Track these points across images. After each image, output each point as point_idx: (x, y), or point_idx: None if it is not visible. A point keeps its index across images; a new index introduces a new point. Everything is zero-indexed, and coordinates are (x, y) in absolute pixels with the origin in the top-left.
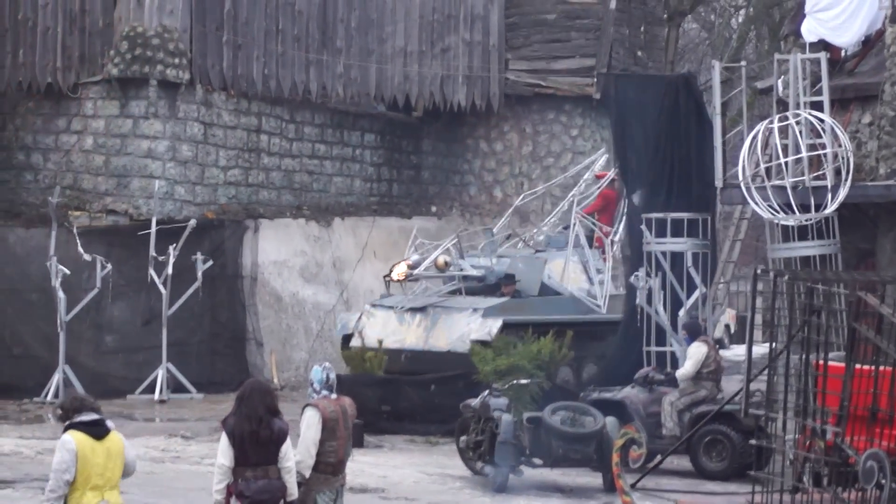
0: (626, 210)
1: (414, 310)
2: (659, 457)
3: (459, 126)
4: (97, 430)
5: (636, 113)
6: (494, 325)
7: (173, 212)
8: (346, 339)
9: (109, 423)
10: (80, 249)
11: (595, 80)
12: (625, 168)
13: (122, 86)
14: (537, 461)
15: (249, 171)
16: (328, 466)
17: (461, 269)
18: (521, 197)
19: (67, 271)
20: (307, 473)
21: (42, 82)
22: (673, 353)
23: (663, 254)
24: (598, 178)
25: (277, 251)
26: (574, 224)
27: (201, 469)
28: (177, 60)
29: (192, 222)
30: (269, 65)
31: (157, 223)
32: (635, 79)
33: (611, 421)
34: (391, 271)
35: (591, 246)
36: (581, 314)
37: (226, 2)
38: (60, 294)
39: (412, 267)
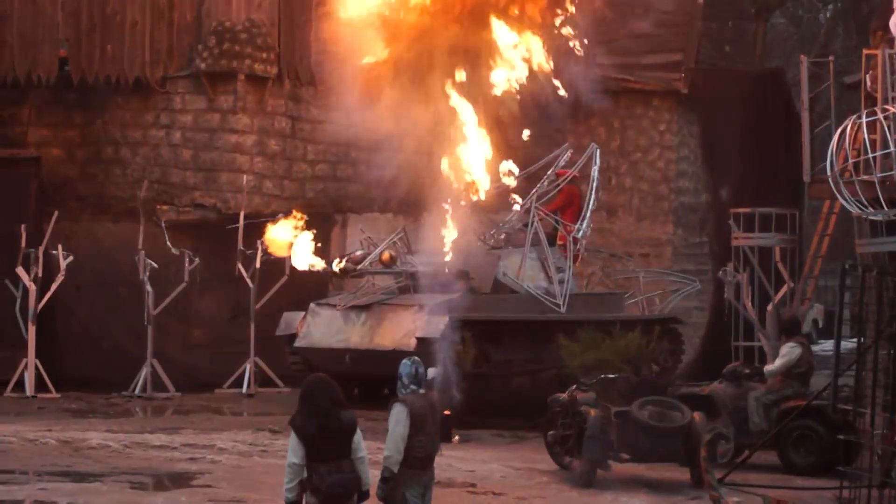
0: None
1: (359, 308)
2: (746, 452)
3: (547, 120)
4: None
5: (724, 108)
6: (441, 322)
7: (261, 206)
8: (291, 338)
9: None
10: (168, 243)
11: (683, 75)
12: (711, 163)
13: (210, 80)
14: (625, 456)
15: (337, 166)
16: (417, 461)
17: (411, 265)
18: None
19: (155, 265)
20: (396, 469)
21: (130, 77)
22: (761, 348)
23: (751, 249)
24: (559, 175)
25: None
26: (533, 221)
27: None
28: (265, 55)
29: (280, 217)
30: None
31: (245, 217)
32: (723, 74)
33: (699, 416)
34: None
35: (553, 244)
36: (537, 313)
37: None
38: (148, 288)
39: (356, 262)
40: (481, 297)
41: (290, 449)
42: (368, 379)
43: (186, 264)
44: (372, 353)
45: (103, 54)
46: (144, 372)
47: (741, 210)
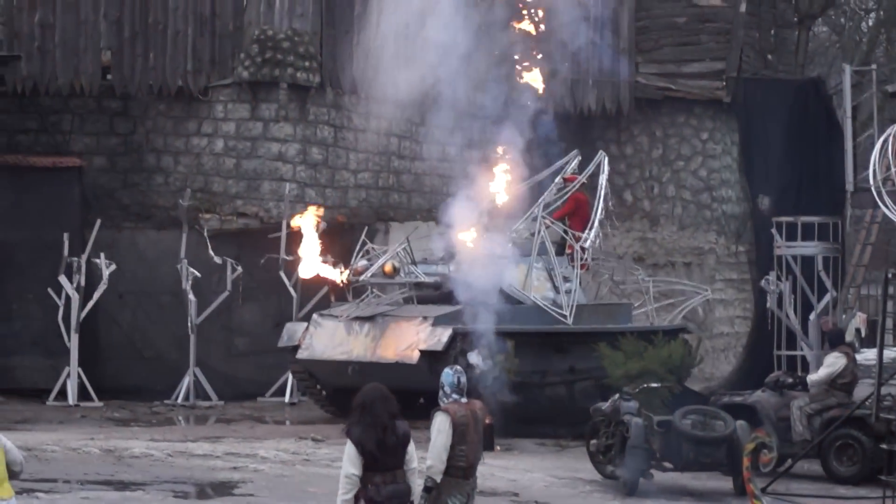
0: (751, 214)
1: (362, 319)
2: (789, 461)
3: (590, 129)
4: None
5: (766, 116)
6: (444, 334)
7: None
8: (295, 350)
9: None
10: (211, 252)
11: (725, 83)
12: (752, 171)
13: (252, 89)
14: (668, 465)
15: (380, 174)
16: (459, 470)
17: (414, 276)
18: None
19: (198, 274)
20: (438, 478)
21: (173, 85)
22: (803, 357)
23: (793, 257)
24: (567, 181)
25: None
26: (539, 229)
27: (331, 472)
28: (307, 63)
29: (323, 225)
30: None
31: (288, 226)
32: (765, 82)
33: (741, 425)
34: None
35: (562, 253)
36: (544, 324)
37: (356, 4)
38: (191, 297)
39: (359, 273)
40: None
41: (348, 459)
42: None
43: (229, 273)
44: (375, 366)
45: (146, 63)
46: (187, 381)
47: (784, 219)
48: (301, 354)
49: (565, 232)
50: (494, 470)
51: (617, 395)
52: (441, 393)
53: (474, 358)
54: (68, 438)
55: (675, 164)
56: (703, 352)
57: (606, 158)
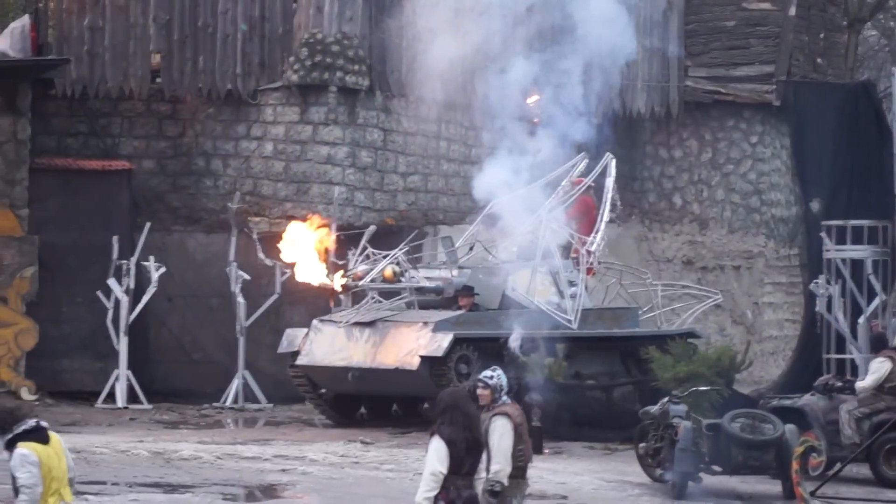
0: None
1: (362, 324)
2: (838, 464)
3: (639, 133)
4: (42, 436)
5: (815, 120)
6: (445, 339)
7: (352, 218)
8: (294, 356)
9: (44, 423)
10: (261, 255)
11: (774, 87)
12: (803, 175)
13: (301, 92)
14: (716, 468)
15: (429, 178)
16: (519, 471)
17: (415, 281)
18: (489, 204)
19: (247, 277)
20: (507, 482)
21: (222, 89)
22: (853, 361)
23: (843, 261)
24: (575, 184)
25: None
26: (544, 232)
27: (380, 475)
28: (356, 67)
29: (372, 228)
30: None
31: (337, 229)
32: (814, 86)
33: (790, 428)
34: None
35: (568, 256)
36: (547, 329)
37: (405, 7)
38: (240, 299)
39: (359, 277)
40: (487, 313)
41: (437, 458)
42: (375, 398)
43: (278, 276)
44: (375, 372)
45: (195, 66)
46: (236, 383)
47: (833, 222)
48: (301, 360)
49: (570, 235)
50: (543, 473)
51: (666, 399)
52: (498, 392)
53: (515, 339)
54: (117, 441)
55: (724, 168)
56: (752, 355)
57: (613, 161)
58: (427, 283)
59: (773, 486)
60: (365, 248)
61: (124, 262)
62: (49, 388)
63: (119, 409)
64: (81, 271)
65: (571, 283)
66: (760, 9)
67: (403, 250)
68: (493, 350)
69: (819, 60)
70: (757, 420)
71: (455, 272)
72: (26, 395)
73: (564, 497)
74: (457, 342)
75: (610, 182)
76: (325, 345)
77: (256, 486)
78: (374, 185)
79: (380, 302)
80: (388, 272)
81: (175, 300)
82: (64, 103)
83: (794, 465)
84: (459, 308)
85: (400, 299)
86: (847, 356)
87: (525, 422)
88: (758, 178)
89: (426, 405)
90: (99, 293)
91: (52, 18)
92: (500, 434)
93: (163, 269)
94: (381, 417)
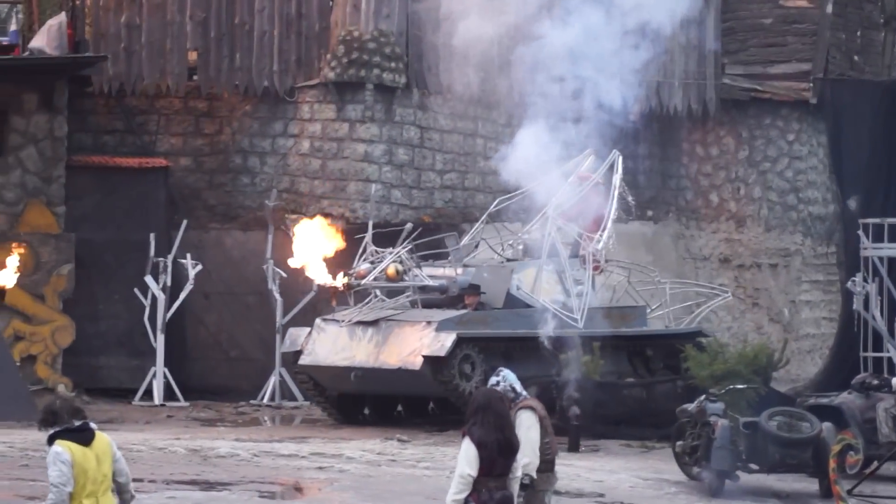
0: (841, 215)
1: (365, 324)
2: (875, 463)
3: (676, 130)
4: (85, 436)
5: (852, 118)
6: (448, 339)
7: (389, 215)
8: (297, 354)
9: (93, 425)
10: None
11: (811, 84)
12: (840, 173)
13: (338, 90)
14: (753, 466)
15: (466, 175)
16: (547, 464)
17: (419, 280)
18: (496, 202)
19: (284, 274)
20: (535, 475)
21: (259, 86)
22: (890, 359)
23: (880, 259)
24: (582, 180)
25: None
26: (550, 230)
27: (416, 473)
28: (393, 64)
29: (409, 226)
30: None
31: (374, 227)
32: (851, 84)
33: (827, 426)
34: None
35: (576, 254)
36: (554, 328)
37: (442, 5)
38: (277, 297)
39: (362, 276)
40: (493, 312)
41: (466, 460)
42: (379, 398)
43: None
44: (377, 372)
45: (232, 64)
46: (273, 380)
47: (871, 220)
48: (303, 360)
49: (578, 235)
50: (580, 471)
51: (703, 397)
52: (512, 392)
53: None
54: (154, 438)
55: (761, 166)
56: (789, 353)
57: (620, 158)
58: (431, 282)
59: (811, 485)
60: (367, 247)
61: (161, 259)
62: (86, 386)
63: (156, 406)
64: (118, 268)
65: (578, 282)
66: (798, 6)
67: (407, 248)
68: (497, 350)
69: (856, 58)
70: (794, 418)
71: (460, 270)
72: (63, 392)
73: (601, 495)
74: (460, 342)
75: (617, 179)
76: (328, 344)
77: (293, 483)
78: (410, 182)
79: (383, 301)
80: (391, 270)
81: (212, 297)
82: (101, 101)
83: (832, 464)
84: (465, 307)
85: (404, 298)
86: (884, 354)
87: (548, 414)
88: (795, 175)
89: (431, 405)
90: (136, 290)
91: (89, 15)
92: (527, 427)
93: (199, 267)
94: (384, 418)
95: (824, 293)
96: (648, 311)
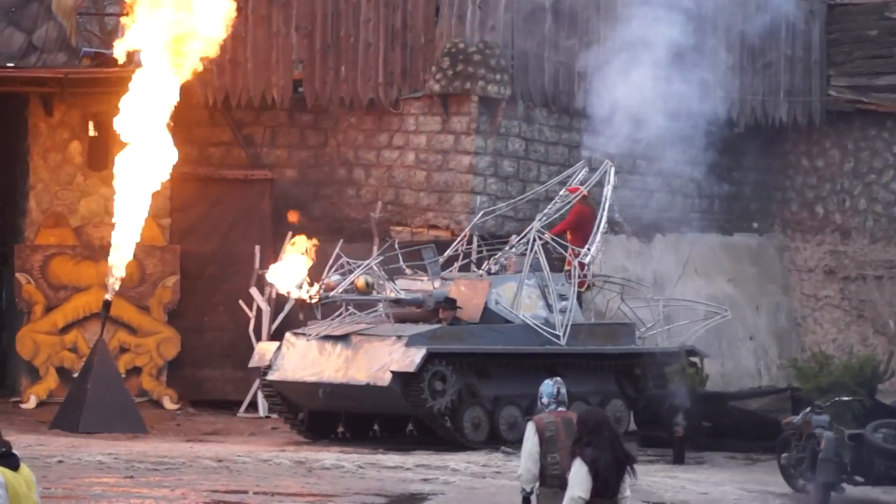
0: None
1: (335, 338)
2: None
3: (780, 142)
4: (12, 462)
5: None
6: (418, 355)
7: (494, 227)
8: (266, 371)
9: (14, 451)
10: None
11: None
12: None
13: (443, 101)
14: (859, 479)
15: None
16: (554, 479)
17: (391, 293)
18: (479, 214)
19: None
20: (528, 487)
21: (364, 98)
22: None
23: None
24: (571, 192)
25: (598, 267)
26: (533, 243)
27: None
28: (498, 76)
29: (513, 238)
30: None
31: (479, 239)
32: None
33: None
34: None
35: (561, 269)
36: (534, 345)
37: (547, 18)
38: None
39: (331, 288)
40: (468, 327)
41: (578, 482)
42: (353, 416)
43: None
44: (346, 388)
45: (337, 76)
46: None
47: None
48: (271, 375)
49: (563, 247)
50: (685, 483)
51: (808, 409)
52: (539, 404)
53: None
54: (259, 450)
55: (866, 178)
56: (894, 365)
57: (613, 169)
58: (405, 296)
59: None
60: (339, 258)
61: (266, 270)
62: (191, 398)
63: (261, 418)
64: (223, 280)
65: (562, 297)
66: None
67: (378, 260)
68: (472, 366)
69: None
70: None
71: (437, 284)
72: (168, 404)
73: None
74: (431, 357)
75: (608, 191)
76: (297, 359)
77: (398, 495)
78: (515, 194)
79: (355, 314)
80: (361, 283)
81: None
82: (206, 112)
83: None
84: (440, 321)
85: (375, 312)
86: None
87: (565, 430)
88: None
89: (410, 427)
90: (241, 302)
91: None
92: (524, 438)
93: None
94: (360, 438)
95: None
96: (643, 328)
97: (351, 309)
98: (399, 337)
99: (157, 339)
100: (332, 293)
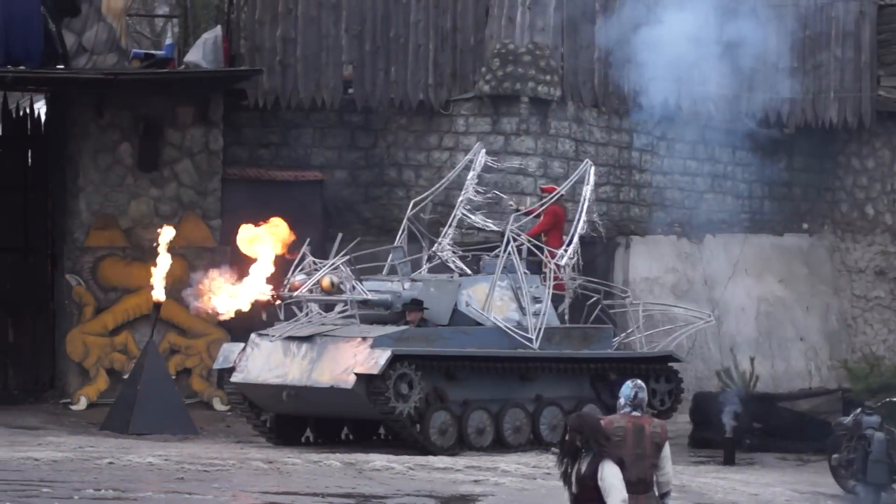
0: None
1: (300, 339)
2: None
3: (831, 143)
4: None
5: None
6: (383, 356)
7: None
8: (230, 372)
9: None
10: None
11: None
12: None
13: (493, 102)
14: None
15: (621, 188)
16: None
17: (357, 293)
18: (410, 205)
19: None
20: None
21: (413, 99)
22: None
23: None
24: (545, 192)
25: (649, 268)
26: (507, 243)
27: None
28: (548, 77)
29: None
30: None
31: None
32: None
33: None
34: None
35: (540, 270)
36: (504, 348)
37: (597, 18)
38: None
39: (296, 288)
40: (436, 329)
41: (614, 487)
42: (321, 420)
43: None
44: (310, 390)
45: (387, 77)
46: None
47: None
48: (235, 377)
49: (539, 249)
50: (735, 484)
51: (859, 410)
52: (617, 406)
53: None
54: (309, 452)
55: None
56: None
57: (593, 168)
58: (372, 297)
59: None
60: (305, 257)
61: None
62: None
63: None
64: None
65: (536, 300)
66: None
67: (345, 259)
68: (439, 369)
69: None
70: None
71: (407, 285)
72: (218, 405)
73: None
74: (397, 359)
75: (587, 191)
76: (261, 361)
77: (448, 496)
78: (565, 195)
79: (322, 315)
80: (326, 283)
81: None
82: (256, 114)
83: None
84: (407, 323)
85: (342, 313)
86: None
87: (634, 435)
88: None
89: (381, 431)
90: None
91: (244, 29)
92: None
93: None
94: (330, 443)
95: None
96: (623, 334)
97: (316, 310)
98: (364, 338)
99: (207, 341)
100: (296, 293)
